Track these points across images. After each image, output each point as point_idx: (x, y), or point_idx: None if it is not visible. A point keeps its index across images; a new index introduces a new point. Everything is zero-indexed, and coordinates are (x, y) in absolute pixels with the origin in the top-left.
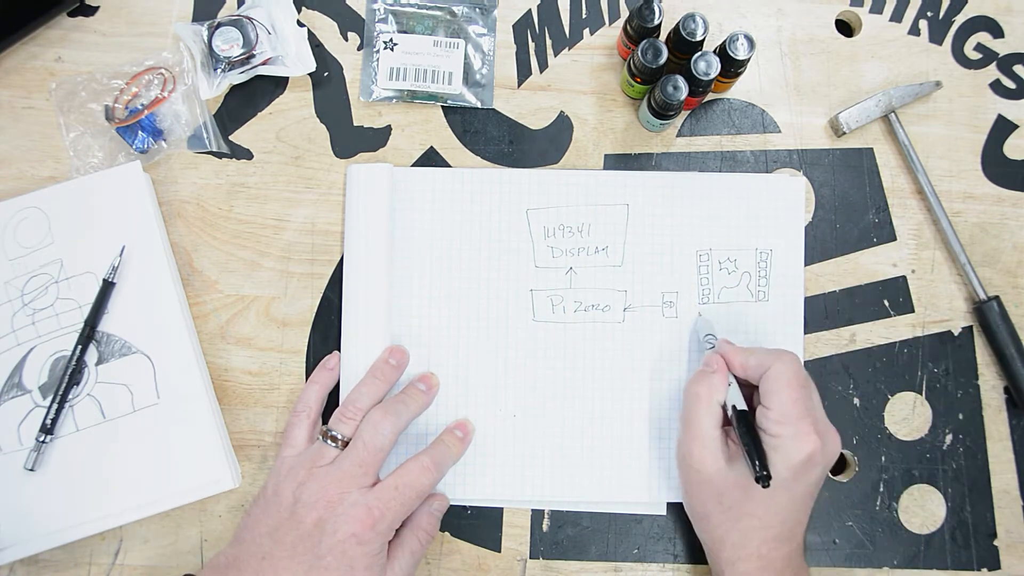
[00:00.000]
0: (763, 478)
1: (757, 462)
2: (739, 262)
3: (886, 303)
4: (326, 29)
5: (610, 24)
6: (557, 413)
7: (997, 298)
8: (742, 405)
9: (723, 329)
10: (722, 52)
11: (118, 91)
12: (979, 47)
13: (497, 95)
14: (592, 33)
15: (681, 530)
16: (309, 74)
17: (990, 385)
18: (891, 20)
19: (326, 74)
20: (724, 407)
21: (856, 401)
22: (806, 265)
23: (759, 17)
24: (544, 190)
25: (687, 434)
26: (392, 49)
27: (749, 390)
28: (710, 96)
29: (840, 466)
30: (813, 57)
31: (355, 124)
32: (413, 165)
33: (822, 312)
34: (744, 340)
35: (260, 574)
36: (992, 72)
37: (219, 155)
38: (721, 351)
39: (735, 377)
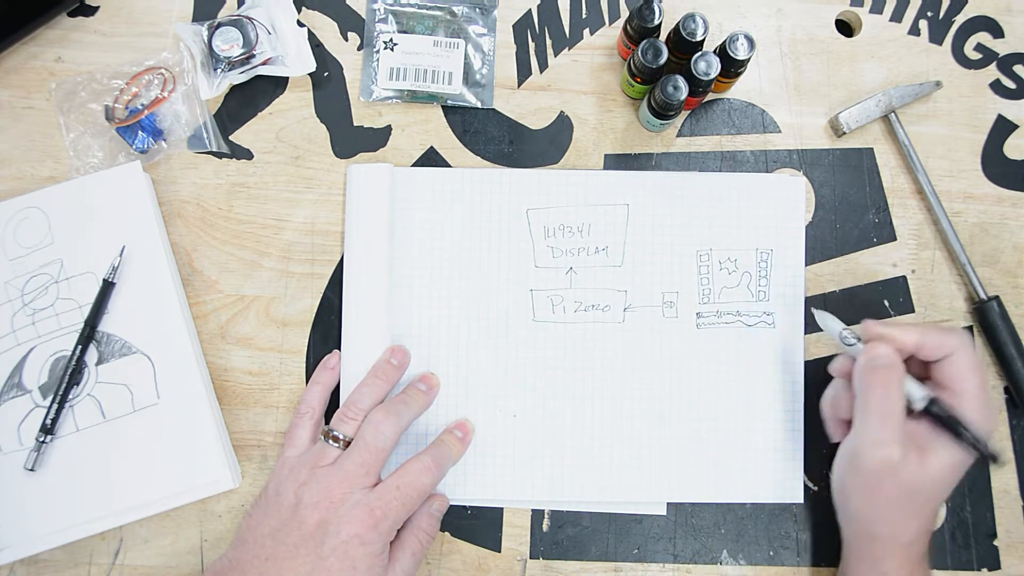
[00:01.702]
0: (996, 456)
1: (979, 443)
2: (739, 262)
3: (886, 303)
4: (326, 29)
5: (610, 24)
6: (557, 413)
7: (997, 298)
8: (930, 392)
9: (725, 332)
10: (722, 52)
11: (118, 91)
12: (979, 47)
13: (497, 95)
14: (592, 33)
15: (681, 530)
16: (309, 74)
17: (990, 385)
18: (891, 20)
19: (326, 74)
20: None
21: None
22: (806, 265)
23: (759, 17)
24: (544, 190)
25: (884, 429)
26: (392, 49)
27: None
28: (710, 96)
29: None
30: (813, 57)
31: (355, 124)
32: (413, 165)
33: None
34: (744, 340)
35: (263, 575)
36: (992, 72)
37: (219, 155)
38: (883, 337)
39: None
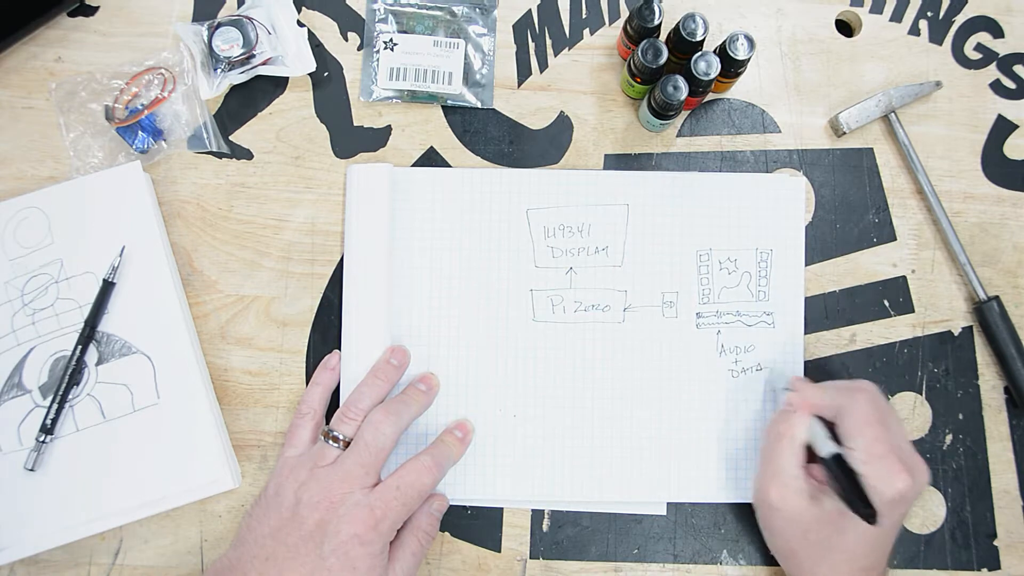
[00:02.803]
0: (871, 517)
1: (859, 501)
2: (739, 262)
3: (886, 303)
4: (326, 29)
5: (610, 24)
6: (557, 413)
7: (997, 298)
8: (832, 449)
9: (725, 332)
10: (722, 52)
11: (118, 91)
12: (979, 47)
13: (497, 95)
14: (592, 33)
15: (681, 530)
16: (309, 74)
17: (990, 385)
18: (891, 20)
19: (326, 74)
20: (810, 447)
21: None
22: (806, 265)
23: (759, 17)
24: (544, 190)
25: (767, 473)
26: (392, 49)
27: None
28: (710, 96)
29: None
30: (813, 57)
31: (355, 124)
32: (413, 165)
33: (822, 312)
34: (744, 340)
35: (263, 575)
36: (992, 72)
37: (219, 155)
38: (800, 392)
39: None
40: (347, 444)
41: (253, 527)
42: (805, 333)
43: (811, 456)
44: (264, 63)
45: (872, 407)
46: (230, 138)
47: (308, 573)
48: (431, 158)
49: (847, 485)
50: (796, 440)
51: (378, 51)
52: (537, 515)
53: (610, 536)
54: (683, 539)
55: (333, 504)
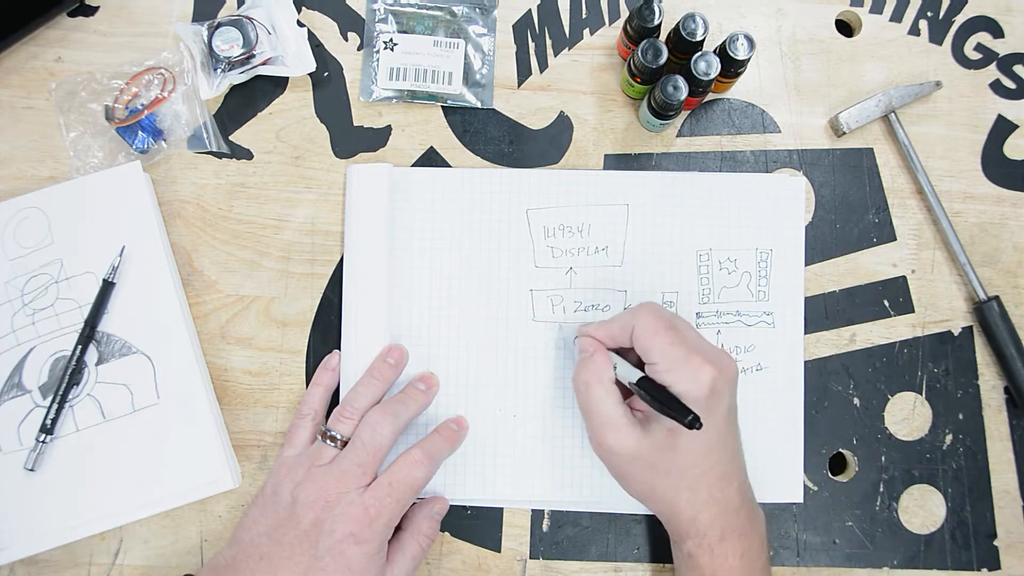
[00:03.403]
0: (693, 421)
1: (678, 412)
2: (739, 262)
3: (886, 303)
4: (326, 29)
5: (610, 24)
6: (557, 413)
7: (997, 298)
8: (637, 375)
9: (725, 332)
10: (722, 52)
11: (118, 91)
12: (979, 47)
13: (497, 95)
14: (592, 33)
15: None
16: (309, 74)
17: (990, 385)
18: (891, 20)
19: (326, 74)
20: (617, 383)
21: (856, 401)
22: (806, 265)
23: (759, 17)
24: (544, 190)
25: (595, 424)
26: (392, 49)
27: (632, 357)
28: (710, 96)
29: (840, 466)
30: (813, 57)
31: (355, 124)
32: (413, 165)
33: (822, 312)
34: (744, 340)
35: (258, 574)
36: (992, 72)
37: (219, 155)
38: (587, 333)
39: (614, 352)
40: (344, 443)
41: (249, 526)
42: (805, 333)
43: (624, 390)
44: (264, 63)
45: (657, 317)
46: (230, 138)
47: (303, 572)
48: (431, 158)
49: (663, 399)
50: (605, 381)
51: (378, 51)
52: (537, 515)
53: (610, 536)
54: None
55: (329, 503)
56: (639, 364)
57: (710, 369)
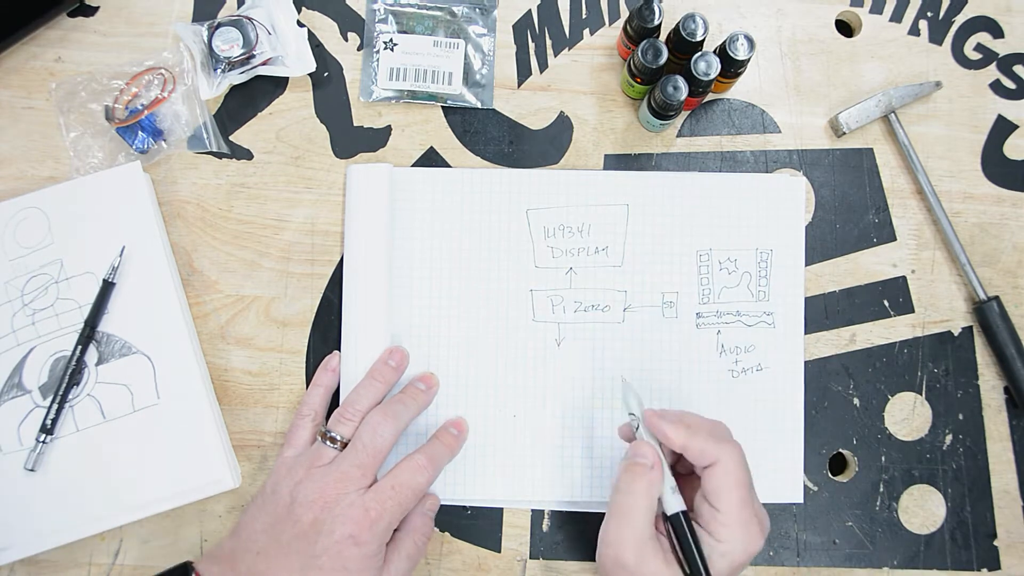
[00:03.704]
0: None
1: (699, 569)
2: (739, 262)
3: (886, 303)
4: (326, 29)
5: (610, 24)
6: (557, 413)
7: (997, 298)
8: (679, 506)
9: (725, 332)
10: (722, 52)
11: (118, 91)
12: (979, 47)
13: (497, 95)
14: (592, 33)
15: None
16: (309, 74)
17: (990, 385)
18: (891, 20)
19: (326, 74)
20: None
21: (856, 401)
22: (806, 265)
23: (759, 17)
24: (544, 190)
25: (622, 531)
26: (392, 49)
27: (671, 460)
28: (710, 96)
29: (840, 466)
30: (813, 57)
31: (355, 124)
32: (413, 165)
33: (822, 312)
34: (744, 340)
35: (254, 568)
36: (992, 72)
37: (219, 155)
38: (654, 429)
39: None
40: (344, 445)
41: (248, 522)
42: (805, 333)
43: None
44: (264, 63)
45: (742, 467)
46: (230, 138)
47: (299, 569)
48: (431, 158)
49: (687, 548)
50: (654, 499)
51: (378, 51)
52: (537, 515)
53: None
54: None
55: (328, 504)
56: (674, 470)
57: (761, 541)
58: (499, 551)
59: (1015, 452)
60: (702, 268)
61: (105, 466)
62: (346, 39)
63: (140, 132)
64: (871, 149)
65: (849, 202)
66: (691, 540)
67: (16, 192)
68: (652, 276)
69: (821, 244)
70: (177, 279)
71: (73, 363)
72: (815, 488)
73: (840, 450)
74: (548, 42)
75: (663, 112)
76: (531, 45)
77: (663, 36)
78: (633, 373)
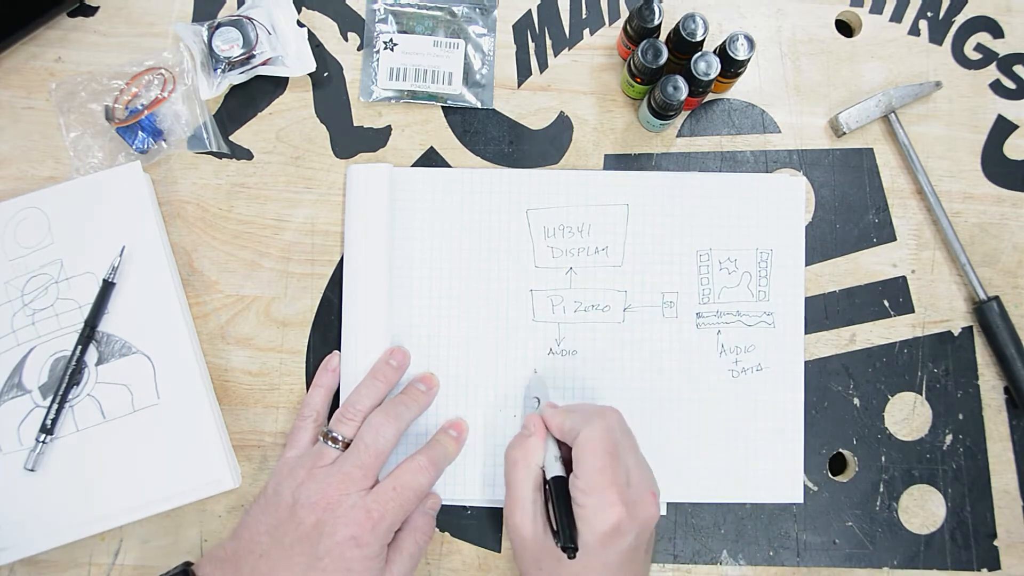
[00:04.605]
0: (569, 549)
1: (562, 532)
2: (739, 262)
3: (886, 303)
4: (326, 29)
5: (610, 24)
6: None
7: (997, 298)
8: (557, 471)
9: (725, 332)
10: (722, 52)
11: (118, 91)
12: (979, 47)
13: (497, 95)
14: (592, 33)
15: (681, 530)
16: (309, 74)
17: (990, 385)
18: (891, 20)
19: (326, 74)
20: (544, 471)
21: (856, 401)
22: (806, 265)
23: (759, 17)
24: (544, 190)
25: (508, 498)
26: (392, 49)
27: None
28: (710, 96)
29: (840, 466)
30: (813, 57)
31: (355, 124)
32: (413, 165)
33: (822, 312)
34: (744, 340)
35: (257, 571)
36: (992, 72)
37: (219, 155)
38: (542, 413)
39: (557, 440)
40: (346, 445)
41: (250, 523)
42: (805, 333)
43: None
44: (264, 63)
45: (603, 436)
46: (230, 138)
47: (301, 572)
48: (431, 158)
49: (560, 510)
50: (532, 465)
51: (378, 51)
52: None
53: None
54: (683, 539)
55: (330, 505)
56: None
57: (620, 510)
58: (499, 551)
59: (1015, 452)
60: (702, 268)
61: (105, 466)
62: (346, 39)
63: (140, 132)
64: (871, 149)
65: (849, 202)
66: (554, 500)
67: (16, 192)
68: (652, 276)
69: (821, 244)
70: (177, 279)
71: (73, 363)
72: (815, 488)
73: (840, 450)
74: (548, 42)
75: (663, 112)
76: (531, 45)
77: (663, 36)
78: (633, 373)
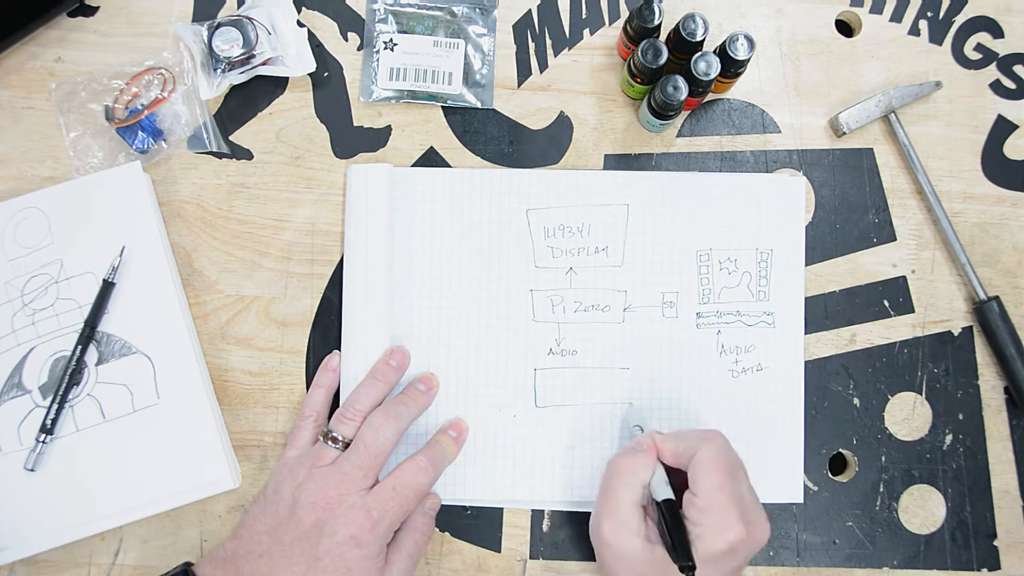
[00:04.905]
0: (687, 568)
1: (680, 550)
2: (739, 262)
3: (886, 303)
4: (326, 29)
5: (610, 24)
6: (557, 413)
7: (997, 298)
8: (666, 494)
9: (725, 332)
10: (722, 52)
11: (118, 91)
12: (979, 47)
13: (497, 95)
14: (592, 33)
15: None
16: (309, 74)
17: (990, 385)
18: (891, 20)
19: (326, 74)
20: (649, 489)
21: (856, 401)
22: (806, 265)
23: (759, 17)
24: (544, 190)
25: (603, 506)
26: (392, 49)
27: (680, 479)
28: (710, 96)
29: (840, 466)
30: (813, 57)
31: (355, 124)
32: (413, 165)
33: (822, 312)
34: (744, 340)
35: (257, 571)
36: (992, 72)
37: (219, 155)
38: (652, 437)
39: (664, 466)
40: (346, 445)
41: (250, 523)
42: (805, 333)
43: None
44: (264, 63)
45: (721, 455)
46: (230, 138)
47: (302, 572)
48: (431, 158)
49: (674, 533)
50: (637, 478)
51: (378, 51)
52: (537, 515)
53: None
54: None
55: (330, 505)
56: (683, 487)
57: (740, 529)
58: (499, 551)
59: (1015, 452)
60: (702, 268)
61: (105, 466)
62: (346, 39)
63: (140, 132)
64: (871, 149)
65: (849, 202)
66: (668, 522)
67: (16, 192)
68: (652, 276)
69: (821, 244)
70: (177, 279)
71: (73, 363)
72: (815, 488)
73: (840, 450)
74: (548, 42)
75: (663, 112)
76: (531, 45)
77: (663, 36)
78: (632, 373)
